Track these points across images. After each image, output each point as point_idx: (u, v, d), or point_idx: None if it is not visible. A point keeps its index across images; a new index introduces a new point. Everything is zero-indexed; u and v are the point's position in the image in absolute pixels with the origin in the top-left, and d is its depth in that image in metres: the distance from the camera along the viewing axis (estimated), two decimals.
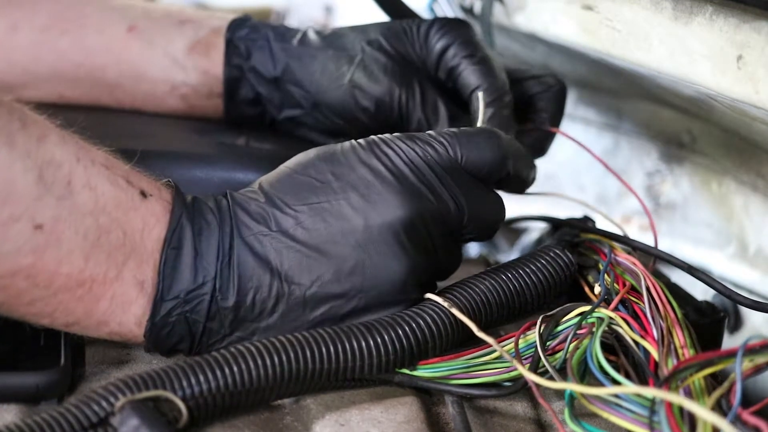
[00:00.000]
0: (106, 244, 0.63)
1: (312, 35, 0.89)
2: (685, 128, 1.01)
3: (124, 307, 0.65)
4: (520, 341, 0.68)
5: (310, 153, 0.71)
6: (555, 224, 0.88)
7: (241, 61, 0.88)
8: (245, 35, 0.89)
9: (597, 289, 0.72)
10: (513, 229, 0.97)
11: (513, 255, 0.97)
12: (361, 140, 0.71)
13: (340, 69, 0.87)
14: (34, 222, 0.61)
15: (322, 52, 0.87)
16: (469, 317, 0.67)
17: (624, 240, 0.78)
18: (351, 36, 0.88)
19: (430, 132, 0.72)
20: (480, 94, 0.83)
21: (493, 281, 0.70)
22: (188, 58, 0.89)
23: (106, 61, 0.89)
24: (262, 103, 0.89)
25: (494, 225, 0.73)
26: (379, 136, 0.71)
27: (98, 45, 0.89)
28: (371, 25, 0.89)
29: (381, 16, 0.93)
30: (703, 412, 0.56)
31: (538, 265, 0.72)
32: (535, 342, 0.68)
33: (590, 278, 0.75)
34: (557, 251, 0.73)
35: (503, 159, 0.72)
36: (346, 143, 0.71)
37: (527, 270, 0.72)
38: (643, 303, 0.69)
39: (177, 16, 0.90)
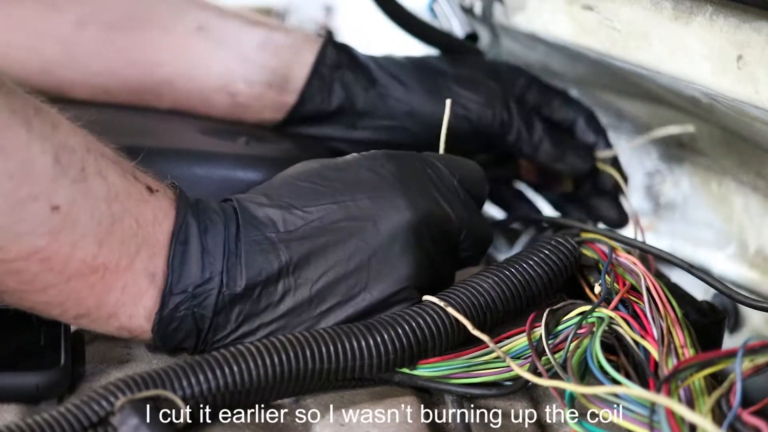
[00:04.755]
0: (119, 231, 0.64)
1: (398, 57, 0.92)
2: None
3: (135, 298, 0.65)
4: (520, 340, 0.68)
5: (312, 163, 0.72)
6: (555, 224, 0.88)
7: (330, 67, 0.90)
8: (336, 46, 0.91)
9: (597, 288, 0.72)
10: (512, 229, 0.97)
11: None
12: (363, 153, 0.72)
13: (437, 83, 0.89)
14: (51, 203, 0.61)
15: (417, 70, 0.91)
16: (470, 316, 0.67)
17: (624, 240, 0.78)
18: (437, 60, 0.92)
19: (425, 153, 0.74)
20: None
21: (496, 277, 0.70)
22: (257, 53, 0.89)
23: (165, 58, 0.89)
24: (344, 110, 0.90)
25: (486, 244, 0.75)
26: (381, 150, 0.73)
27: (162, 42, 0.89)
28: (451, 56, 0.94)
29: (381, 17, 0.93)
30: (697, 419, 0.56)
31: (542, 255, 0.72)
32: (536, 341, 0.68)
33: (590, 278, 0.75)
34: (559, 239, 0.73)
35: (485, 181, 0.76)
36: (348, 155, 0.73)
37: (531, 262, 0.72)
38: (643, 303, 0.69)
39: (249, 18, 0.91)
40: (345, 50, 0.92)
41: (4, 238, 0.60)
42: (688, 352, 0.66)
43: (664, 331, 0.67)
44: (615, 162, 0.95)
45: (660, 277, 0.80)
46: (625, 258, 0.74)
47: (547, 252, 0.72)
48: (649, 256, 0.79)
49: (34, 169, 0.60)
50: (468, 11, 0.99)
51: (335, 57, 0.90)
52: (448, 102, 0.79)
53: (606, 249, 0.75)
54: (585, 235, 0.78)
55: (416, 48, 0.96)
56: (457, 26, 0.97)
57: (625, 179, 0.96)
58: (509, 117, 0.90)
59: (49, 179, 0.61)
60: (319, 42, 0.91)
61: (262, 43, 0.90)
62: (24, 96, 0.62)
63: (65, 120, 0.64)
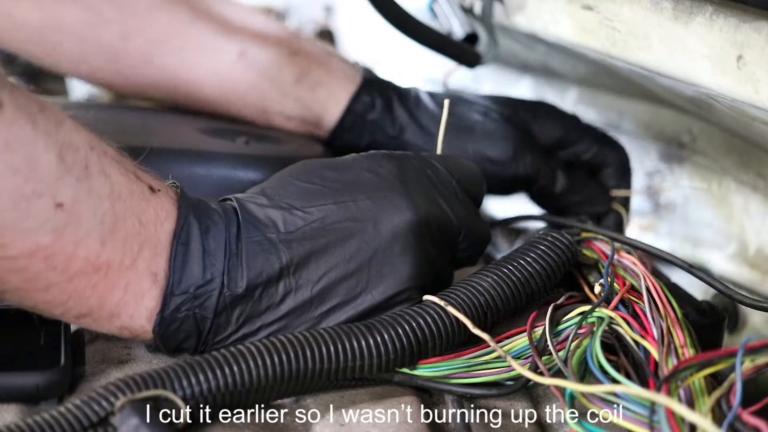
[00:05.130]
0: (122, 230, 0.64)
1: (424, 97, 0.93)
2: (685, 128, 1.01)
3: (136, 298, 0.65)
4: (520, 340, 0.68)
5: (312, 162, 0.73)
6: (555, 224, 0.88)
7: (362, 111, 0.92)
8: (372, 88, 0.93)
9: (597, 288, 0.72)
10: (511, 228, 0.97)
11: None
12: (362, 153, 0.73)
13: (459, 137, 0.91)
14: (55, 200, 0.61)
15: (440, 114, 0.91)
16: (470, 315, 0.67)
17: (623, 240, 0.78)
18: (465, 105, 0.93)
19: (421, 153, 0.75)
20: None
21: (495, 276, 0.70)
22: (293, 88, 0.92)
23: (205, 81, 0.91)
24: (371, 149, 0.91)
25: (484, 244, 0.75)
26: (380, 151, 0.73)
27: (202, 65, 0.91)
28: (479, 96, 0.96)
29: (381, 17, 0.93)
30: (697, 419, 0.56)
31: (539, 251, 0.72)
32: (536, 340, 0.68)
33: (590, 278, 0.75)
34: (555, 234, 0.73)
35: (483, 181, 0.77)
36: (348, 156, 0.73)
37: (529, 258, 0.72)
38: (643, 302, 0.69)
39: (290, 46, 0.93)
40: (380, 89, 0.93)
41: (8, 235, 0.60)
42: (688, 352, 0.66)
43: (664, 331, 0.67)
44: (626, 201, 0.96)
45: (660, 277, 0.80)
46: (625, 258, 0.74)
47: (543, 248, 0.72)
48: (640, 253, 0.78)
49: (39, 166, 0.60)
50: (468, 11, 0.98)
51: (369, 99, 0.92)
52: (446, 102, 0.80)
53: (605, 249, 0.75)
54: (585, 235, 0.78)
55: (416, 48, 0.96)
56: (457, 26, 0.97)
57: (628, 219, 0.97)
58: (534, 170, 0.92)
59: (54, 176, 0.61)
60: (357, 81, 0.93)
61: (300, 79, 0.92)
62: (28, 93, 0.62)
63: (69, 118, 0.64)
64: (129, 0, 0.90)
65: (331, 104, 0.92)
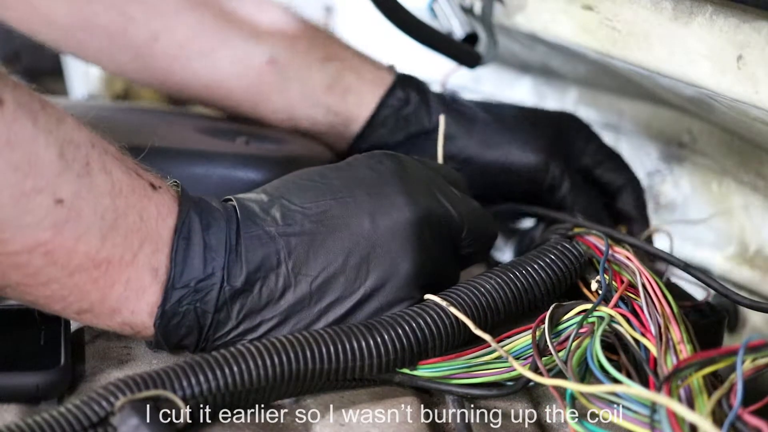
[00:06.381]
0: (123, 226, 0.64)
1: (460, 96, 0.94)
2: (685, 128, 1.01)
3: (138, 293, 0.65)
4: (520, 340, 0.68)
5: (314, 167, 0.73)
6: (547, 218, 0.89)
7: (397, 107, 0.92)
8: (408, 85, 0.93)
9: (594, 285, 0.72)
10: (510, 228, 0.97)
11: (508, 251, 0.97)
12: (364, 153, 0.73)
13: (497, 135, 0.91)
14: (55, 196, 0.61)
15: (481, 115, 0.92)
16: (472, 315, 0.67)
17: (618, 237, 0.78)
18: (506, 107, 0.94)
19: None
20: None
21: (500, 279, 0.70)
22: (323, 95, 0.91)
23: (233, 85, 0.92)
24: (403, 146, 0.91)
25: (490, 240, 0.76)
26: (380, 150, 0.74)
27: (232, 70, 0.91)
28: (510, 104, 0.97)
29: (381, 17, 0.93)
30: (697, 419, 0.56)
31: (547, 260, 0.72)
32: (537, 340, 0.68)
33: (585, 274, 0.75)
34: (566, 244, 0.73)
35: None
36: (349, 158, 0.73)
37: (536, 266, 0.71)
38: (639, 299, 0.69)
39: (321, 52, 0.93)
40: (416, 86, 0.93)
41: (8, 231, 0.60)
42: (686, 349, 0.65)
43: (662, 328, 0.66)
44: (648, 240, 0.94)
45: (660, 276, 0.80)
46: (619, 253, 0.73)
47: (552, 257, 0.72)
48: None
49: (40, 162, 0.61)
50: (468, 11, 0.98)
51: (403, 95, 0.92)
52: (441, 118, 0.81)
53: (598, 243, 0.75)
54: (577, 230, 0.78)
55: (416, 48, 0.96)
56: (457, 26, 0.97)
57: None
58: (560, 180, 0.92)
59: (54, 173, 0.61)
60: (388, 83, 0.92)
61: (330, 85, 0.92)
62: (30, 91, 0.62)
63: (70, 116, 0.64)
64: (157, 1, 0.90)
65: (360, 109, 0.92)
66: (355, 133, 0.92)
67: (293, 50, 0.92)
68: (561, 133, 0.94)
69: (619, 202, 0.95)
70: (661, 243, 0.94)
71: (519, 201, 0.93)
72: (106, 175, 0.63)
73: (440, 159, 0.82)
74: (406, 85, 0.93)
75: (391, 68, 0.95)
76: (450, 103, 0.93)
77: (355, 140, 0.92)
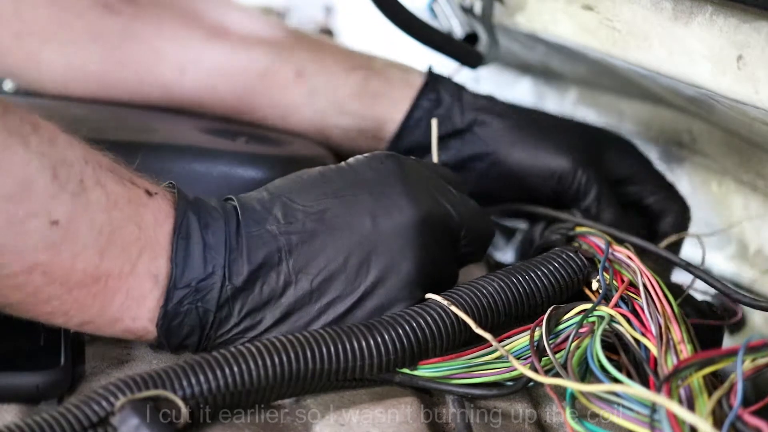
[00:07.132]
0: (120, 238, 0.64)
1: (498, 99, 0.94)
2: (685, 128, 1.01)
3: (138, 301, 0.65)
4: (520, 340, 0.68)
5: (314, 167, 0.73)
6: (548, 217, 0.88)
7: (429, 107, 0.92)
8: (440, 84, 0.93)
9: (594, 284, 0.72)
10: (510, 227, 0.97)
11: (509, 252, 0.97)
12: (366, 154, 0.73)
13: (529, 136, 0.91)
14: (50, 218, 0.61)
15: (514, 116, 0.92)
16: (473, 315, 0.67)
17: (619, 237, 0.77)
18: (542, 113, 0.95)
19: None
20: None
21: (502, 282, 0.70)
22: (352, 103, 0.92)
23: (264, 103, 0.93)
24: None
25: (487, 240, 0.76)
26: (382, 151, 0.74)
27: (263, 91, 0.92)
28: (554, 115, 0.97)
29: (381, 17, 0.93)
30: (697, 420, 0.56)
31: (551, 267, 0.72)
32: (537, 340, 0.68)
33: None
34: (570, 253, 0.73)
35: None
36: (350, 158, 0.73)
37: (539, 272, 0.71)
38: (640, 298, 0.69)
39: (347, 62, 0.94)
40: (448, 86, 0.93)
41: (5, 255, 0.61)
42: (686, 348, 0.65)
43: (662, 328, 0.66)
44: (677, 245, 0.94)
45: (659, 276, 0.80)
46: (619, 251, 0.73)
47: (556, 265, 0.72)
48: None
49: (33, 188, 0.61)
50: (468, 11, 0.98)
51: (435, 95, 0.93)
52: (434, 121, 0.82)
53: (600, 243, 0.75)
54: (579, 230, 0.78)
55: (416, 49, 0.96)
56: (456, 26, 0.97)
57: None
58: (587, 188, 0.91)
59: (48, 196, 0.61)
60: (418, 85, 0.93)
61: (358, 93, 0.93)
62: (21, 113, 0.62)
63: (62, 133, 0.64)
64: (185, 33, 0.91)
65: (392, 112, 0.93)
66: (392, 134, 0.93)
67: (319, 61, 0.93)
68: (595, 143, 0.94)
69: (661, 226, 0.94)
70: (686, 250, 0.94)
71: (545, 205, 0.92)
72: (101, 189, 0.64)
73: (435, 159, 0.83)
74: (438, 85, 0.93)
75: (422, 71, 0.95)
76: (484, 103, 0.93)
77: (392, 142, 0.93)
